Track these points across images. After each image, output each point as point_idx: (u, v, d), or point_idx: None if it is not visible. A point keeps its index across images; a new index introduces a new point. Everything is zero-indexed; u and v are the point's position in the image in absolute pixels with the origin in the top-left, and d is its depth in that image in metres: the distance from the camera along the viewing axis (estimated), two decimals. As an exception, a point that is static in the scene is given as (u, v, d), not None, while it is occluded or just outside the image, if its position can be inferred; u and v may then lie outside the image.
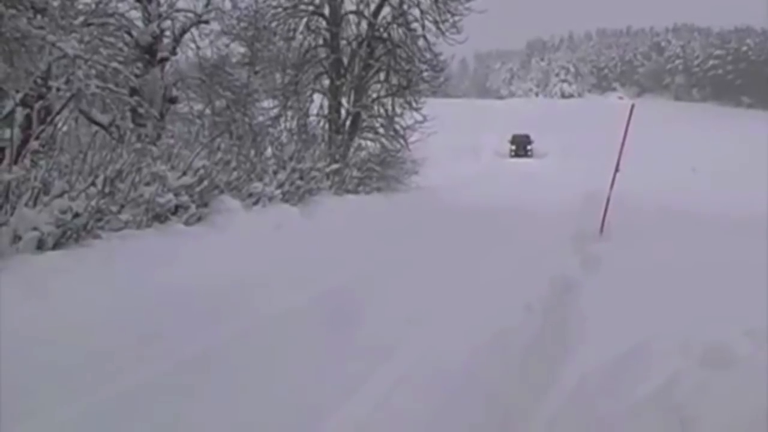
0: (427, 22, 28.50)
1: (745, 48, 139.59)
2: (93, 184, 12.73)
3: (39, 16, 14.26)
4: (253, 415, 7.23)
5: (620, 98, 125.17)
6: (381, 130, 29.47)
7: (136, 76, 18.28)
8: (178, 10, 21.14)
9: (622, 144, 18.02)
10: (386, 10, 28.67)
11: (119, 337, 9.21)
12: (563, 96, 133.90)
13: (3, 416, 6.71)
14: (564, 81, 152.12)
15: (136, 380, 7.83)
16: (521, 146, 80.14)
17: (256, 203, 17.63)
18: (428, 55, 29.15)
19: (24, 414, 6.82)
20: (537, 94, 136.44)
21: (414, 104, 29.13)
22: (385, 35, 28.62)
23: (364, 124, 29.12)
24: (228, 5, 22.59)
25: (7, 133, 13.48)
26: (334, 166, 23.27)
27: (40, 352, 8.43)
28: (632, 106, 18.81)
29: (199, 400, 7.49)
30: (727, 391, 5.24)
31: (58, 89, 14.83)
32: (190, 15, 21.36)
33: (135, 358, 8.55)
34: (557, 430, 6.16)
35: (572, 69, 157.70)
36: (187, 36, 21.68)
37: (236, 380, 8.11)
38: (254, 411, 7.35)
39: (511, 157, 76.68)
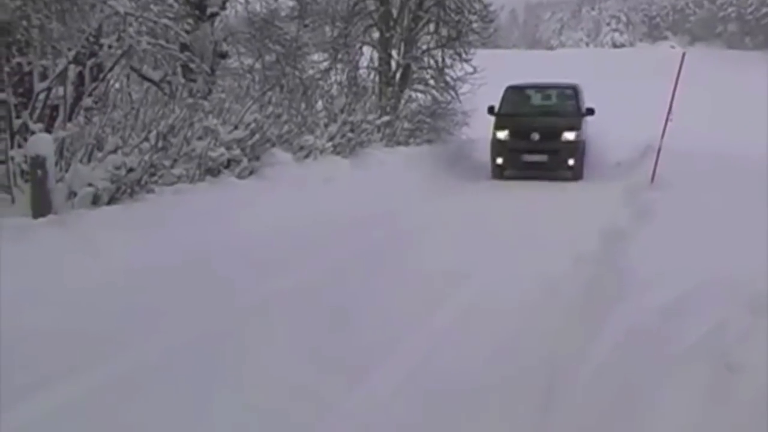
0: (476, -28, 28.28)
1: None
2: (146, 139, 12.88)
3: (90, -26, 14.37)
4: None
5: (672, 47, 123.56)
6: (431, 82, 29.39)
7: (187, 32, 18.33)
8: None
9: (673, 93, 17.89)
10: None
11: (173, 292, 9.36)
12: (614, 46, 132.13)
13: (56, 366, 6.88)
14: (615, 30, 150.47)
15: (190, 335, 7.93)
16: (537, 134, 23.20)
17: (307, 156, 17.73)
18: (477, 6, 29.00)
19: (76, 366, 6.96)
20: (587, 45, 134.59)
21: (464, 55, 28.99)
22: (434, -15, 28.39)
23: (414, 76, 29.05)
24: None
25: (61, 90, 13.63)
26: (385, 119, 23.32)
27: (95, 306, 8.61)
28: (683, 55, 18.68)
29: (265, 343, 7.59)
30: (775, 338, 5.28)
31: (110, 46, 14.92)
32: (240, -31, 21.40)
33: (188, 312, 8.69)
34: (606, 374, 6.21)
35: (623, 18, 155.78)
36: (236, -10, 21.73)
37: (305, 323, 8.21)
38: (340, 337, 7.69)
39: (503, 170, 23.63)
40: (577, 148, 22.87)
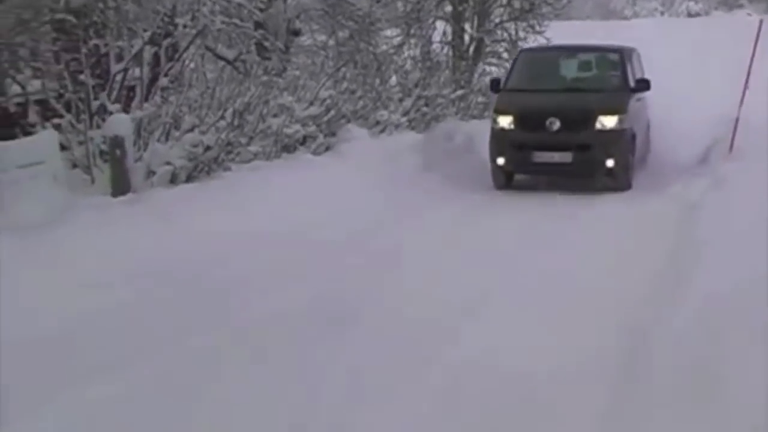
0: (548, -57, 28.00)
1: None
2: (222, 117, 12.99)
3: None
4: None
5: (748, 15, 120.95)
6: (504, 55, 29.06)
7: (260, 10, 18.39)
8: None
9: (751, 61, 17.56)
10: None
11: (242, 267, 9.47)
12: (689, 15, 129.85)
13: (136, 346, 7.07)
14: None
15: (265, 311, 8.05)
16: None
17: (382, 131, 17.71)
18: (551, -23, 28.73)
19: (153, 343, 7.17)
20: (662, 14, 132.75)
21: (537, 28, 28.71)
22: (506, -43, 28.12)
23: (488, 49, 28.82)
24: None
25: (137, 71, 13.80)
26: (459, 92, 23.23)
27: (171, 284, 8.79)
28: (761, 22, 18.29)
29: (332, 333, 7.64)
30: None
31: (185, 26, 15.07)
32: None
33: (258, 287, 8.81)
34: (681, 348, 6.17)
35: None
36: (309, -33, 21.74)
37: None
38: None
39: (508, 174, 15.88)
40: (621, 142, 15.21)
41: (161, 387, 6.21)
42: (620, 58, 16.96)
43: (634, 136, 15.64)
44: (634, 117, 15.81)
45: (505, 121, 15.52)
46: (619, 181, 15.18)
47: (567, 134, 15.04)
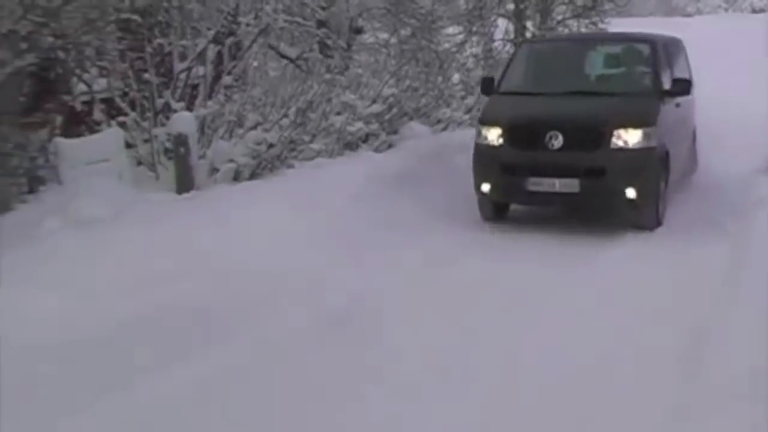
0: (611, -61, 27.76)
1: None
2: (285, 115, 13.07)
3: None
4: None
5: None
6: (567, 52, 28.94)
7: (322, 8, 18.52)
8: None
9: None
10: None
11: (300, 260, 9.56)
12: (754, 11, 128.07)
13: (189, 340, 7.28)
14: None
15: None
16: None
17: (444, 129, 17.69)
18: (613, -26, 28.51)
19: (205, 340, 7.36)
20: (726, 10, 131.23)
21: (599, 25, 28.51)
22: (568, -46, 27.91)
23: (550, 46, 28.66)
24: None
25: (200, 70, 13.92)
26: (522, 90, 23.14)
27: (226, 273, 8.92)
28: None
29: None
30: None
31: (248, 25, 15.17)
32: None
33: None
34: (748, 349, 6.11)
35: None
36: (372, -35, 21.78)
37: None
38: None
39: (497, 205, 12.39)
40: (647, 164, 11.40)
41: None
42: (651, 50, 12.85)
43: (667, 155, 11.92)
44: (667, 130, 12.04)
45: (493, 135, 11.95)
46: (643, 217, 11.62)
47: (573, 154, 11.42)
